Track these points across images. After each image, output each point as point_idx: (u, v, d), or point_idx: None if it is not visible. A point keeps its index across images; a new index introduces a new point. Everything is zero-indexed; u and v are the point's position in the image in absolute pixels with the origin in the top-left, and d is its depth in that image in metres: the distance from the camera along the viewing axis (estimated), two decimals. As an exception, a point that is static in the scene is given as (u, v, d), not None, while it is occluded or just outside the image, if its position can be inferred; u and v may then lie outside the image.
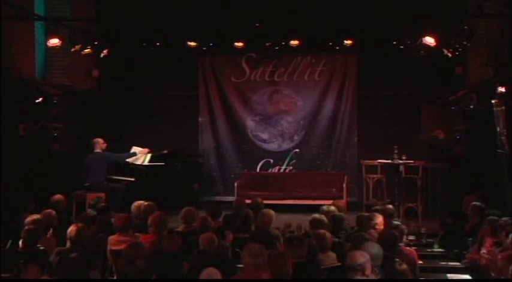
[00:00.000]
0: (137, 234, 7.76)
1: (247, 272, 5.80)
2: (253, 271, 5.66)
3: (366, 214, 8.12)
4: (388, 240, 6.46)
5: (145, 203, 8.95)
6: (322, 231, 7.05)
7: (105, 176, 12.00)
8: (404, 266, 5.60)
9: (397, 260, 5.91)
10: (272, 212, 8.40)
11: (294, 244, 6.33)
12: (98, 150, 12.05)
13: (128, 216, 7.92)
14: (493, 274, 6.47)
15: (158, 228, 7.55)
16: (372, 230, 7.46)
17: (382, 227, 7.67)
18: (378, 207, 9.07)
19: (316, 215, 8.04)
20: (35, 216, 7.74)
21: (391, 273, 5.54)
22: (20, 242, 7.10)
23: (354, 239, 6.97)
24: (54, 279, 6.02)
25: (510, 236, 6.83)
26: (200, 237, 6.91)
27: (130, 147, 12.90)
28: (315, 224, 7.71)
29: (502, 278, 6.18)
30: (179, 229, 8.24)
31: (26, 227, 7.09)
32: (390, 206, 9.04)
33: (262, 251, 5.88)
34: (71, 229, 7.10)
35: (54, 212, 8.39)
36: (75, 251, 6.45)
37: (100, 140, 12.14)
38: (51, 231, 7.91)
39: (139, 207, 8.90)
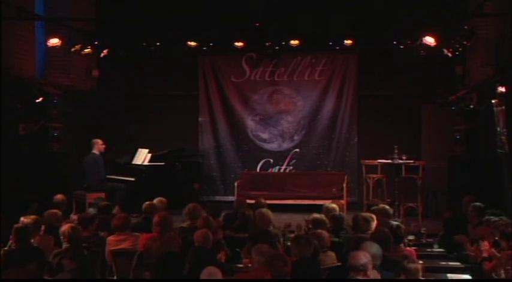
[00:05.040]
0: (136, 233, 7.79)
1: (255, 270, 5.82)
2: (261, 270, 5.69)
3: (363, 215, 8.11)
4: (381, 239, 6.45)
5: (147, 203, 8.99)
6: (319, 231, 7.06)
7: (100, 177, 11.98)
8: (417, 264, 5.63)
9: (408, 258, 5.97)
10: (269, 212, 8.41)
11: (301, 243, 6.35)
12: (95, 151, 12.09)
13: (125, 216, 7.94)
14: (494, 275, 6.47)
15: (163, 228, 7.56)
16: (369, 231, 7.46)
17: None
18: (376, 207, 9.06)
19: (317, 215, 8.05)
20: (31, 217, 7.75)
21: (405, 272, 5.55)
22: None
23: (350, 240, 6.99)
24: (54, 279, 6.03)
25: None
26: (195, 234, 6.93)
27: (136, 150, 12.94)
28: (316, 223, 7.71)
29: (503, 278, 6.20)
30: (184, 225, 8.27)
31: (15, 225, 7.09)
32: (386, 207, 8.99)
33: (271, 251, 5.99)
34: (65, 228, 7.08)
35: (60, 213, 8.37)
36: (72, 251, 6.42)
37: (99, 141, 12.18)
38: (42, 228, 7.89)
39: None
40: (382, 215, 8.33)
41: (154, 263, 6.11)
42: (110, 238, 7.55)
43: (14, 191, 10.06)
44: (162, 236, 7.40)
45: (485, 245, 7.34)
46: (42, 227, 7.87)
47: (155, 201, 9.17)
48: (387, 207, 8.94)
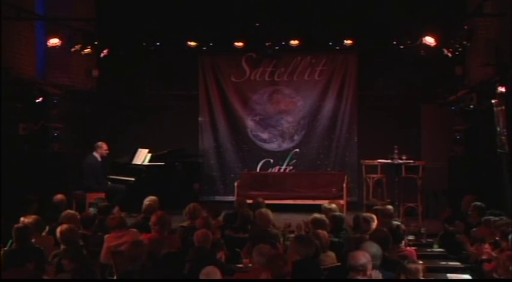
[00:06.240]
0: (133, 229, 7.81)
1: (255, 270, 5.83)
2: (261, 270, 5.70)
3: (363, 215, 8.12)
4: (380, 239, 6.45)
5: (147, 202, 8.99)
6: (318, 231, 7.07)
7: (97, 181, 11.96)
8: (417, 265, 5.63)
9: (409, 258, 5.98)
10: (269, 212, 8.42)
11: (304, 243, 6.35)
12: (96, 154, 12.05)
13: (120, 217, 7.98)
14: (495, 275, 6.47)
15: (161, 228, 7.58)
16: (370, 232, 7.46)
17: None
18: (377, 207, 9.07)
19: (317, 215, 8.05)
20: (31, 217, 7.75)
21: (406, 272, 5.55)
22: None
23: (350, 240, 6.99)
24: (54, 279, 6.04)
25: (510, 236, 6.82)
26: (195, 234, 6.94)
27: (136, 150, 12.95)
28: (316, 223, 7.71)
29: (503, 278, 6.20)
30: (184, 224, 8.29)
31: (15, 225, 7.09)
32: (389, 207, 9.02)
33: (271, 251, 6.00)
34: (58, 231, 7.07)
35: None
36: (71, 251, 6.42)
37: (104, 146, 12.10)
38: (47, 229, 7.89)
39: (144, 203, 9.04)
40: (384, 215, 8.35)
41: (147, 264, 6.12)
42: (108, 235, 7.56)
43: (14, 191, 10.05)
44: (161, 235, 7.42)
45: (485, 247, 7.34)
46: (47, 228, 7.88)
47: (149, 201, 9.10)
48: (389, 207, 8.96)
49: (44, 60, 12.75)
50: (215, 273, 5.42)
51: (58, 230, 7.09)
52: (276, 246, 7.07)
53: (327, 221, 7.92)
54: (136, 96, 14.15)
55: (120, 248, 6.95)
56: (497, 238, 7.35)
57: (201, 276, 5.42)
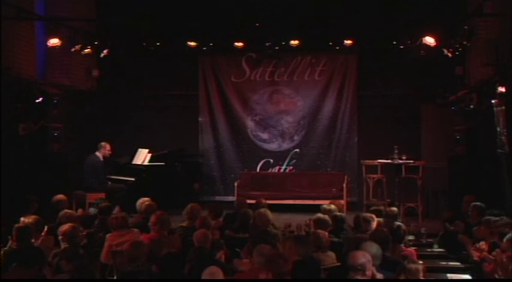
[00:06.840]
0: (135, 229, 7.81)
1: (255, 270, 5.83)
2: (261, 270, 5.70)
3: (363, 215, 8.13)
4: (380, 239, 6.45)
5: (146, 203, 8.99)
6: (319, 231, 7.08)
7: (99, 180, 11.96)
8: (417, 265, 5.64)
9: (409, 258, 5.99)
10: (268, 212, 8.42)
11: (301, 243, 6.36)
12: (98, 154, 12.05)
13: (123, 216, 7.97)
14: (496, 276, 6.47)
15: (161, 228, 7.59)
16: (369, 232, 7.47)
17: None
18: (379, 207, 9.07)
19: (320, 215, 8.06)
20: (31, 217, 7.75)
21: (406, 272, 5.56)
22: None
23: (350, 240, 6.99)
24: (54, 279, 6.04)
25: (508, 236, 6.82)
26: (194, 234, 6.95)
27: (136, 150, 12.95)
28: (319, 223, 7.72)
29: (503, 278, 6.20)
30: (184, 224, 8.30)
31: (16, 225, 7.10)
32: (394, 208, 9.03)
33: (271, 251, 6.00)
34: (60, 230, 7.07)
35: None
36: (69, 252, 6.41)
37: (107, 146, 12.12)
38: (45, 229, 7.90)
39: (140, 204, 9.01)
40: (388, 216, 8.36)
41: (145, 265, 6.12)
42: (109, 235, 7.56)
43: (14, 191, 10.05)
44: (160, 235, 7.42)
45: (482, 245, 7.34)
46: (45, 228, 7.88)
47: (147, 201, 9.11)
48: (394, 208, 8.97)
49: (44, 60, 12.74)
50: (218, 273, 5.42)
51: (60, 229, 7.09)
52: (276, 246, 7.06)
53: (330, 221, 7.93)
54: (136, 96, 14.16)
55: (121, 247, 6.96)
56: (495, 240, 7.35)
57: (204, 276, 5.41)
